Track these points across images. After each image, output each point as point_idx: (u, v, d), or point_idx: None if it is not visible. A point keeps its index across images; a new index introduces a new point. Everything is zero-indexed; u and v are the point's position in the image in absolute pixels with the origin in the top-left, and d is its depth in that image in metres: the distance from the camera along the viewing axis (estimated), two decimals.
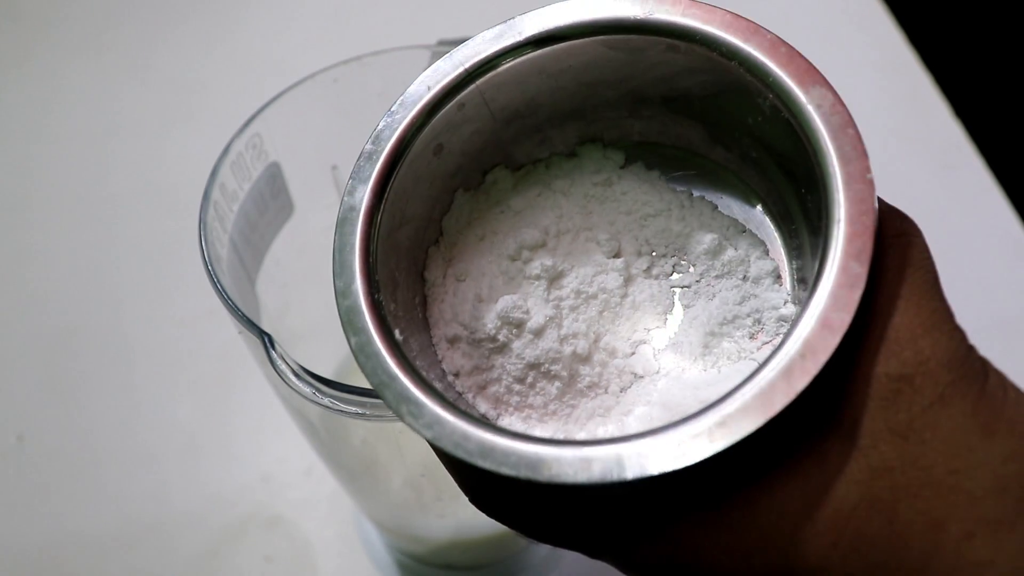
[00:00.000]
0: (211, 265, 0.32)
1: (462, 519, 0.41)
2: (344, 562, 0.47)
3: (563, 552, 0.48)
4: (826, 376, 0.19)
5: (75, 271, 0.58)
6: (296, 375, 0.30)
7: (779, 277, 0.25)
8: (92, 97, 0.67)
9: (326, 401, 0.30)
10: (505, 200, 0.27)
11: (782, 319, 0.24)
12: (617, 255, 0.26)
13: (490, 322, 0.25)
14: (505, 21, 0.25)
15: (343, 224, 0.24)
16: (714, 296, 0.26)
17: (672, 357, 0.25)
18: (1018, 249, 0.57)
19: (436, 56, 0.38)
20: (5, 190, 0.62)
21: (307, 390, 0.30)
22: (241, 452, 0.51)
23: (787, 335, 0.20)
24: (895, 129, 0.62)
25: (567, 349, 0.25)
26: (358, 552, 0.48)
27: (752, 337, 0.24)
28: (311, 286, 0.43)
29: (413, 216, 0.26)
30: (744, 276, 0.25)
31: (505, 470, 0.20)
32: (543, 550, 0.47)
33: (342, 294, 0.23)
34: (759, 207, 0.26)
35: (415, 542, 0.45)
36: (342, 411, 0.30)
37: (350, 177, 0.24)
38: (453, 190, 0.27)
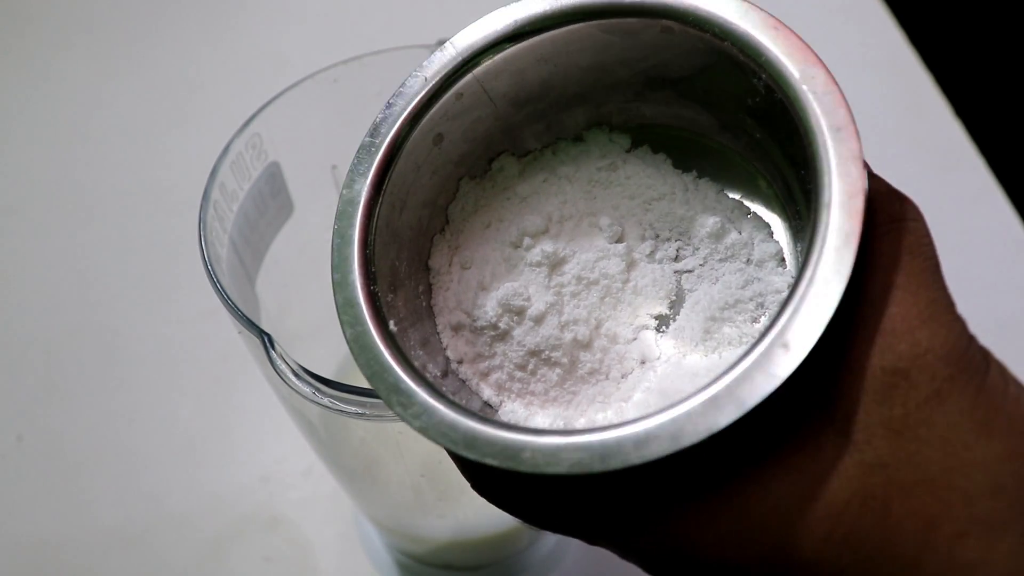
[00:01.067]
0: (211, 265, 0.32)
1: (462, 519, 0.41)
2: (344, 562, 0.47)
3: (563, 552, 0.48)
4: (812, 366, 0.19)
5: (75, 271, 0.58)
6: (296, 375, 0.30)
7: (783, 260, 0.25)
8: (91, 97, 0.67)
9: (326, 401, 0.30)
10: (511, 187, 0.28)
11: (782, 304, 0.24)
12: (620, 240, 0.26)
13: (491, 309, 0.25)
14: (500, 9, 0.25)
15: (341, 217, 0.24)
16: (717, 280, 0.25)
17: (673, 343, 0.25)
18: (1018, 249, 0.57)
19: None
20: (5, 190, 0.62)
21: (307, 390, 0.30)
22: (241, 452, 0.51)
23: (771, 323, 0.19)
24: (895, 129, 0.62)
25: (567, 336, 0.25)
26: (358, 552, 0.48)
27: (754, 321, 0.24)
28: (311, 286, 0.43)
29: (415, 206, 0.26)
30: (748, 259, 0.25)
31: (489, 460, 0.20)
32: (543, 550, 0.47)
33: (339, 286, 0.23)
34: (764, 189, 0.26)
35: (415, 542, 0.45)
36: (342, 411, 0.30)
37: (349, 170, 0.24)
38: (458, 178, 0.27)
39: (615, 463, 0.19)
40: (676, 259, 0.26)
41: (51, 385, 0.53)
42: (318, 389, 0.30)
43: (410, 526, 0.43)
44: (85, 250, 0.59)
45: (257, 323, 0.30)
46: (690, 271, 0.26)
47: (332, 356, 0.47)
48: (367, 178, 0.24)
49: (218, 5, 0.72)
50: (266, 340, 0.30)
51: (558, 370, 0.24)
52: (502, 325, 0.25)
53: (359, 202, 0.24)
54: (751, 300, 0.24)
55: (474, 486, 0.23)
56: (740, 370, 0.19)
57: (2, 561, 0.47)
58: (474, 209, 0.27)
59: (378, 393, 0.22)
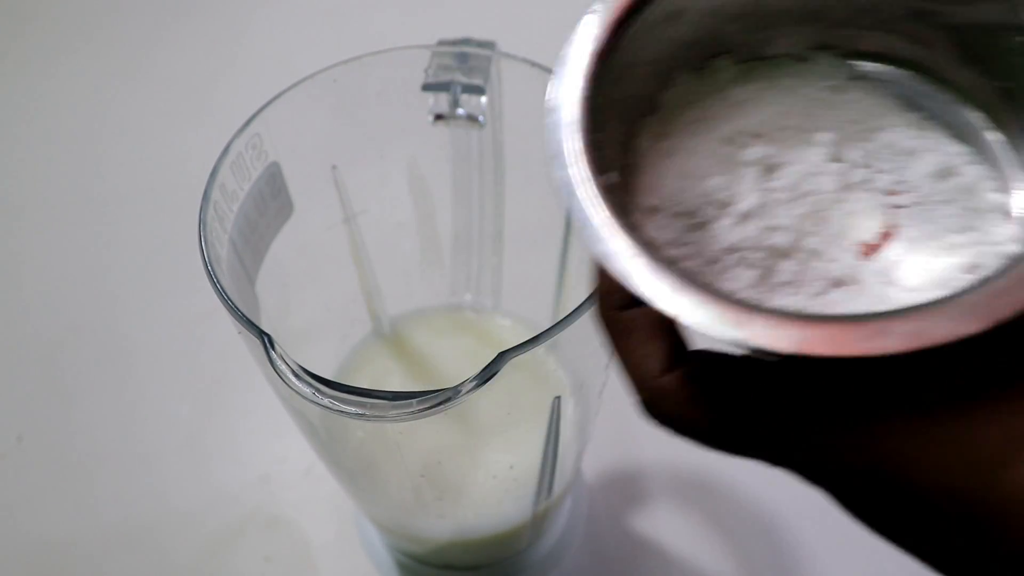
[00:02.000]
0: (211, 265, 0.32)
1: (462, 519, 0.41)
2: (344, 562, 0.47)
3: (563, 552, 0.47)
4: None
5: (75, 271, 0.58)
6: (296, 375, 0.30)
7: (1007, 214, 0.23)
8: (92, 97, 0.67)
9: (326, 401, 0.30)
10: (727, 89, 0.26)
11: (1003, 257, 0.22)
12: (836, 160, 0.25)
13: (693, 197, 0.24)
14: None
15: (562, 62, 0.23)
16: (934, 221, 0.24)
17: (877, 275, 0.23)
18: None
19: (436, 56, 0.38)
20: (5, 190, 0.62)
21: (307, 390, 0.30)
22: (241, 452, 0.51)
23: None
24: None
25: (769, 240, 0.23)
26: (358, 552, 0.48)
27: (968, 271, 0.23)
28: (311, 286, 0.43)
29: (630, 83, 0.25)
30: (968, 206, 0.24)
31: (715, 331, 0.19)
32: (543, 550, 0.47)
33: (553, 125, 0.22)
34: (1000, 140, 0.25)
35: (415, 542, 0.45)
36: (342, 411, 0.30)
37: (588, 12, 0.24)
38: (675, 67, 0.26)
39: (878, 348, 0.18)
40: (892, 193, 0.25)
41: (51, 385, 0.53)
42: (318, 389, 0.29)
43: (410, 526, 0.43)
44: (85, 250, 0.59)
45: (257, 323, 0.30)
46: (906, 207, 0.24)
47: (332, 356, 0.47)
48: (605, 25, 0.23)
49: (219, 5, 0.72)
50: (266, 340, 0.30)
51: (751, 273, 0.23)
52: (702, 215, 0.24)
53: (594, 49, 0.23)
54: (966, 248, 0.23)
55: (647, 401, 0.22)
56: (991, 284, 0.18)
57: (2, 561, 0.47)
58: (687, 101, 0.26)
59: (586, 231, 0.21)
